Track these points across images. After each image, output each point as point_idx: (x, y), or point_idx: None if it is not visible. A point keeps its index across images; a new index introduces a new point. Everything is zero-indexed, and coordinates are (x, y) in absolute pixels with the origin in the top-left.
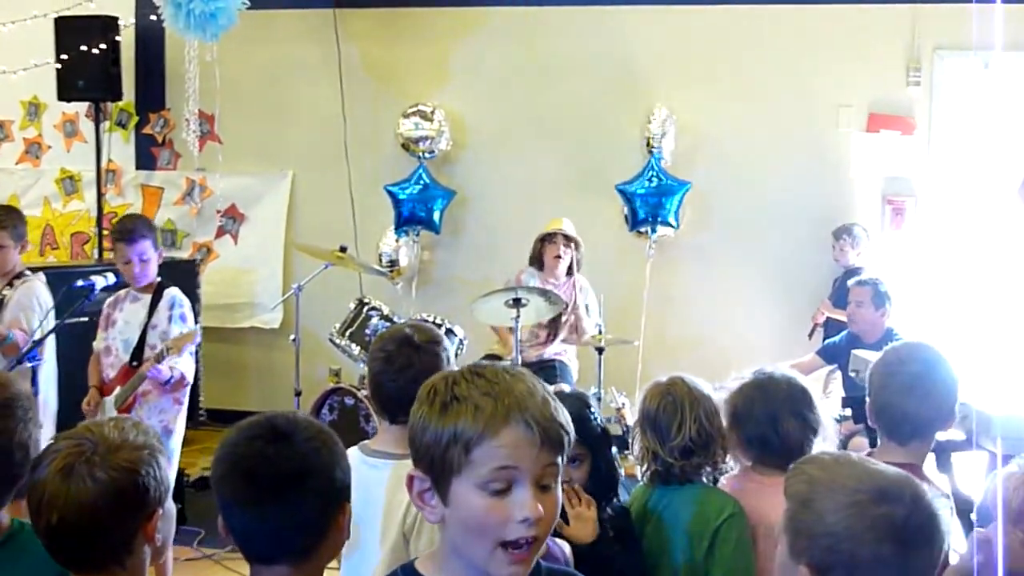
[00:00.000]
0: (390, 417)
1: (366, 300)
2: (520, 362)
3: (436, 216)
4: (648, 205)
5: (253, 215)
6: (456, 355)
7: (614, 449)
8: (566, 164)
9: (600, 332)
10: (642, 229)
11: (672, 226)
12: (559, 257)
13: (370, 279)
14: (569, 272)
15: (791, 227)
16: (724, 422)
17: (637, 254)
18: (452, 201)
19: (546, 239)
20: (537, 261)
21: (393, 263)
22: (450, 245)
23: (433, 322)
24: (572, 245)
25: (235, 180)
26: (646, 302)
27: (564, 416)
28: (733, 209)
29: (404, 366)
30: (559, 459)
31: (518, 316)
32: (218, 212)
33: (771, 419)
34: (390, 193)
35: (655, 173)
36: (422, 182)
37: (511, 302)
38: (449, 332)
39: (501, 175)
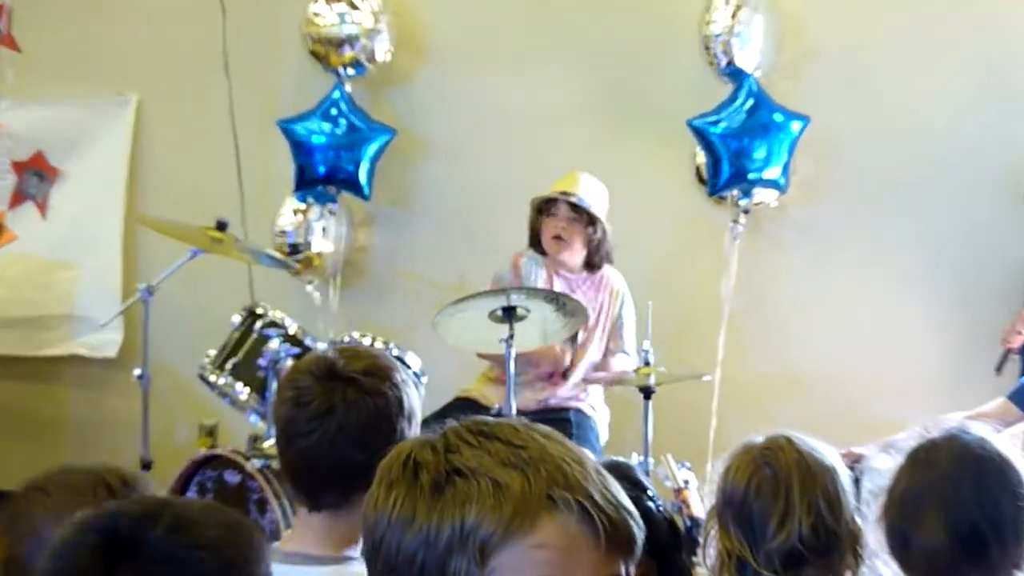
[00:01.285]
0: (311, 500)
1: (260, 310)
2: (513, 412)
3: (365, 172)
4: (737, 154)
5: (72, 171)
6: (401, 407)
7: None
8: (592, 86)
9: (647, 363)
10: (725, 193)
11: (777, 187)
12: (559, 239)
13: (266, 276)
14: (592, 265)
15: (965, 196)
16: (878, 510)
17: (713, 234)
18: (394, 147)
19: (542, 208)
20: (537, 243)
21: (296, 248)
22: (397, 221)
23: (371, 346)
24: (586, 220)
25: (40, 112)
26: (727, 312)
27: (627, 499)
28: (872, 165)
29: (325, 411)
30: (626, 569)
31: (511, 337)
32: (14, 165)
33: (986, 505)
34: (289, 132)
35: (753, 99)
36: (343, 115)
37: (500, 313)
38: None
39: (481, 106)
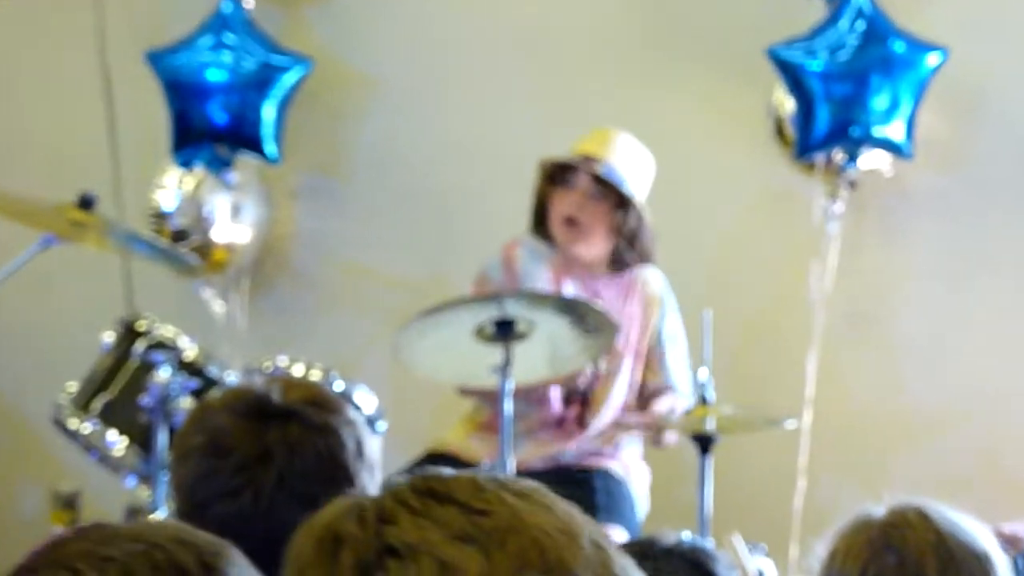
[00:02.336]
0: None
1: (141, 326)
2: (513, 470)
3: (269, 122)
4: (841, 99)
5: None
6: (360, 451)
7: None
8: (620, 1)
9: (704, 400)
10: (820, 157)
11: (897, 150)
12: (573, 224)
13: (151, 276)
14: (619, 262)
15: None
16: None
17: (800, 216)
18: (323, 90)
19: (555, 176)
20: (540, 225)
21: (182, 235)
22: (334, 197)
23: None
24: (615, 200)
25: None
26: (819, 327)
27: None
28: None
29: (257, 459)
30: None
31: (507, 364)
32: None
33: None
34: (161, 67)
35: (865, 21)
36: (238, 41)
37: (491, 329)
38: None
39: (449, 28)
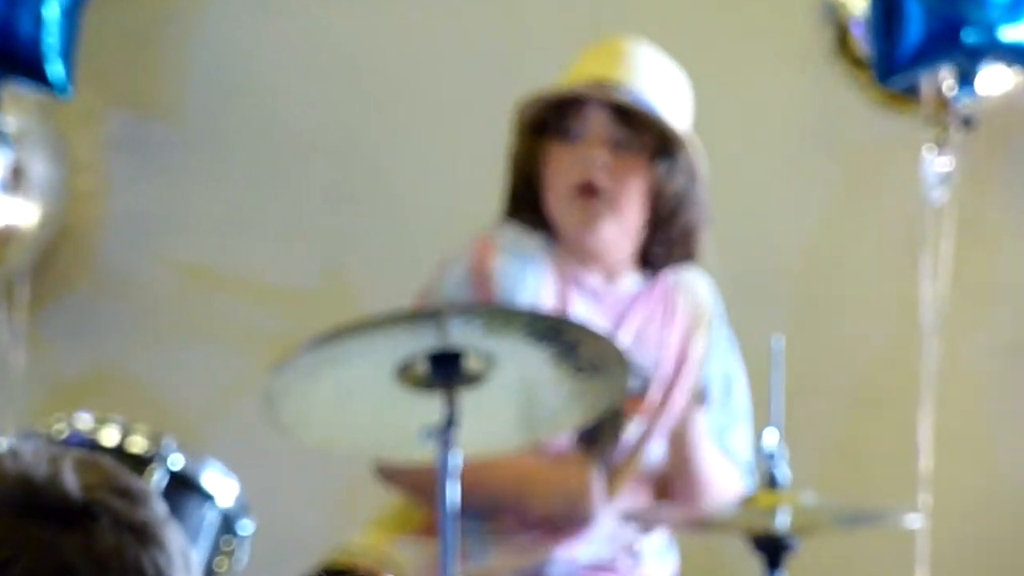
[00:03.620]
0: None
1: None
2: None
3: (51, 27)
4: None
5: None
6: (226, 567)
7: None
8: None
9: (772, 483)
10: (913, 80)
11: None
12: (593, 191)
13: None
14: (653, 259)
15: None
16: None
17: (887, 178)
18: None
19: (548, 122)
20: (526, 205)
21: None
22: (166, 153)
23: (116, 450)
24: (650, 148)
25: None
26: (931, 362)
27: None
28: None
29: None
30: None
31: (450, 423)
32: None
33: None
34: None
35: None
36: None
37: (425, 367)
38: (181, 485)
39: None
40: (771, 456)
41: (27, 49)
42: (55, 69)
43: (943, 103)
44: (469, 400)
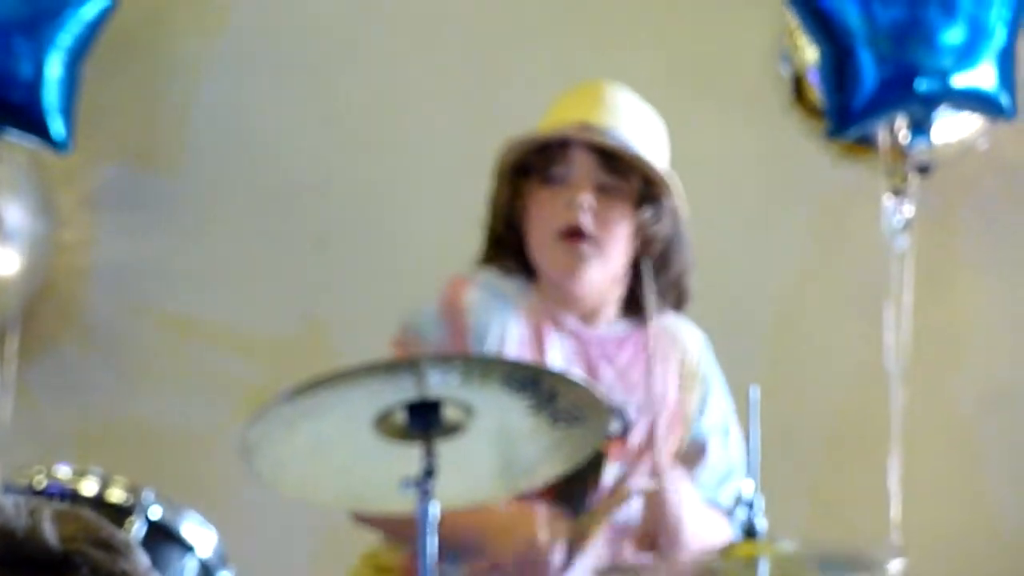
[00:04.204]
0: None
1: None
2: None
3: (55, 84)
4: (894, 33)
5: None
6: None
7: None
8: None
9: (750, 533)
10: (866, 130)
11: (992, 106)
12: (580, 236)
13: None
14: (635, 306)
15: None
16: None
17: (850, 226)
18: (116, 22)
19: (532, 166)
20: (505, 250)
21: None
22: (152, 205)
23: (96, 500)
24: (635, 194)
25: None
26: (898, 404)
27: None
28: None
29: None
30: None
31: (428, 474)
32: None
33: None
34: None
35: None
36: None
37: (402, 417)
38: (160, 535)
39: None
40: (749, 505)
41: (28, 103)
42: (56, 125)
43: (900, 151)
44: (448, 450)
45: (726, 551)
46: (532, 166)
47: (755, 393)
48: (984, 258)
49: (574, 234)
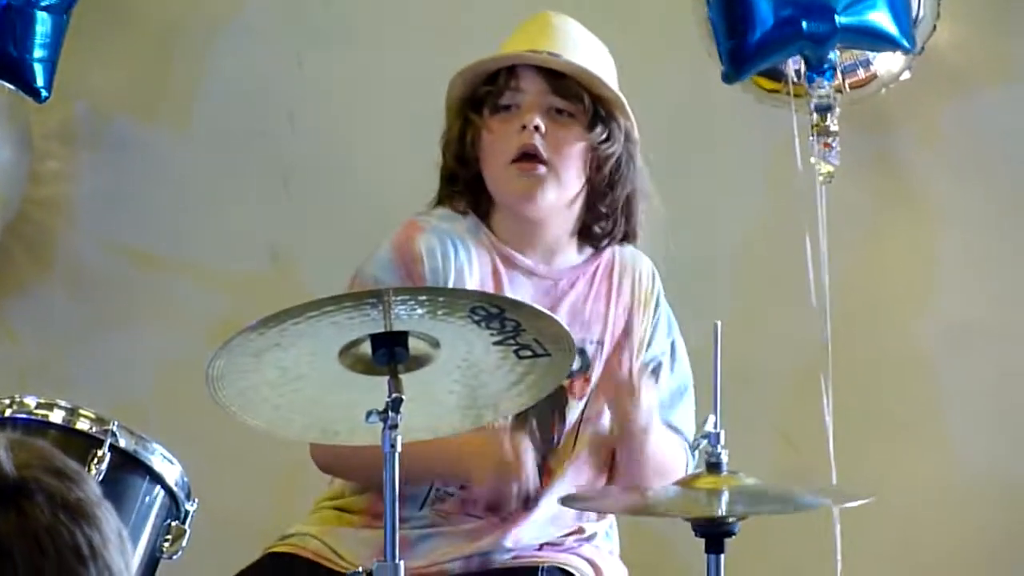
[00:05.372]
0: None
1: None
2: None
3: (42, 38)
4: None
5: None
6: (170, 548)
7: None
8: None
9: (714, 467)
10: (752, 70)
11: (888, 41)
12: (534, 159)
13: None
14: (593, 234)
15: None
16: None
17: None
18: None
19: (483, 97)
20: (460, 188)
21: None
22: (125, 142)
23: (63, 428)
24: (588, 114)
25: None
26: (828, 338)
27: None
28: None
29: None
30: None
31: (394, 407)
32: None
33: None
34: None
35: None
36: None
37: (367, 350)
38: (126, 465)
39: None
40: (711, 439)
41: (12, 52)
42: (39, 75)
43: (805, 90)
44: (413, 383)
45: (687, 482)
46: (482, 98)
47: (718, 328)
48: (949, 197)
49: (528, 158)
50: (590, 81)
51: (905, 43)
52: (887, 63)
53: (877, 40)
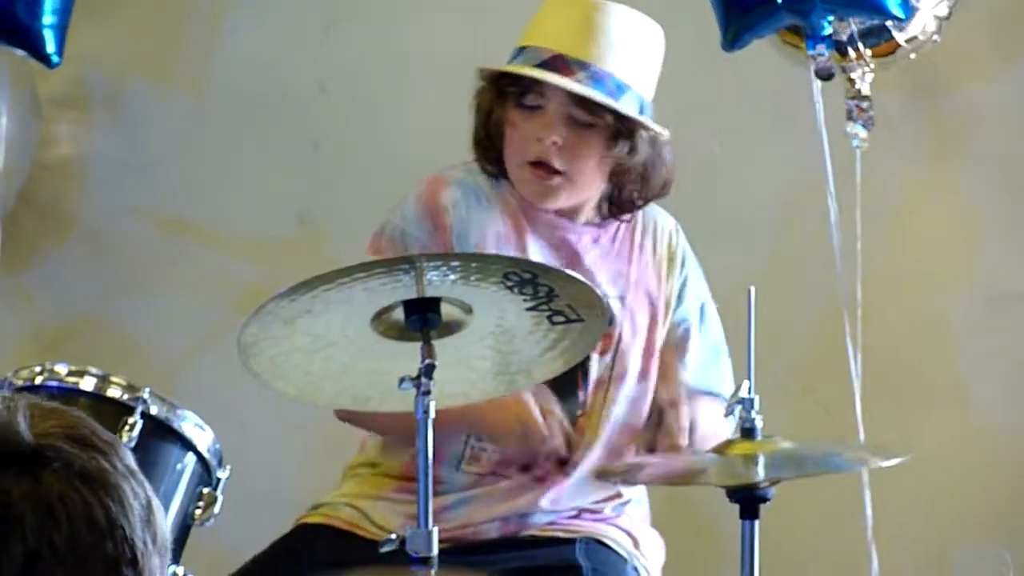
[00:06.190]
0: None
1: None
2: (433, 550)
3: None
4: None
5: None
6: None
7: None
8: None
9: (748, 433)
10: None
11: (878, 9)
12: (547, 168)
13: None
14: (615, 205)
15: None
16: None
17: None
18: None
19: (508, 90)
20: (486, 150)
21: None
22: (141, 104)
23: (94, 395)
24: (611, 126)
25: None
26: (858, 303)
27: None
28: None
29: None
30: None
31: (425, 373)
32: None
33: None
34: None
35: None
36: None
37: (400, 316)
38: (158, 433)
39: None
40: (746, 405)
41: (22, 19)
42: (49, 41)
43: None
44: (445, 349)
45: (722, 448)
46: (507, 91)
47: (751, 294)
48: (991, 162)
49: (542, 166)
50: (618, 110)
51: (893, 11)
52: (919, 26)
53: (863, 9)
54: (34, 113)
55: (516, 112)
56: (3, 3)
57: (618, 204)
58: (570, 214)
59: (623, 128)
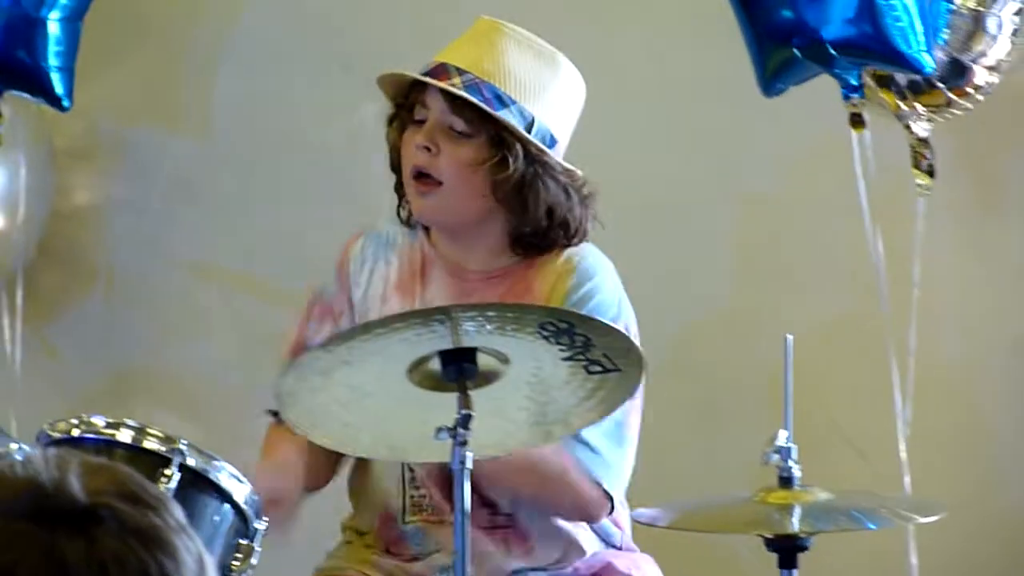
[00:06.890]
0: None
1: None
2: None
3: (55, 43)
4: None
5: None
6: (241, 566)
7: None
8: None
9: (786, 482)
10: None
11: (911, 66)
12: (423, 177)
13: None
14: (524, 243)
15: None
16: None
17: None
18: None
19: (405, 107)
20: (403, 193)
21: None
22: (171, 155)
23: (131, 447)
24: (491, 135)
25: None
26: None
27: None
28: None
29: None
30: None
31: (463, 423)
32: None
33: None
34: None
35: None
36: None
37: (435, 365)
38: (196, 484)
39: None
40: (784, 453)
41: (29, 63)
42: (58, 84)
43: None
44: (482, 399)
45: (760, 496)
46: (402, 115)
47: (789, 343)
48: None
49: (420, 176)
50: (484, 107)
51: (916, 63)
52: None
53: (882, 60)
54: (50, 165)
55: (407, 131)
56: (5, 47)
57: (521, 239)
58: (488, 259)
59: (500, 137)
